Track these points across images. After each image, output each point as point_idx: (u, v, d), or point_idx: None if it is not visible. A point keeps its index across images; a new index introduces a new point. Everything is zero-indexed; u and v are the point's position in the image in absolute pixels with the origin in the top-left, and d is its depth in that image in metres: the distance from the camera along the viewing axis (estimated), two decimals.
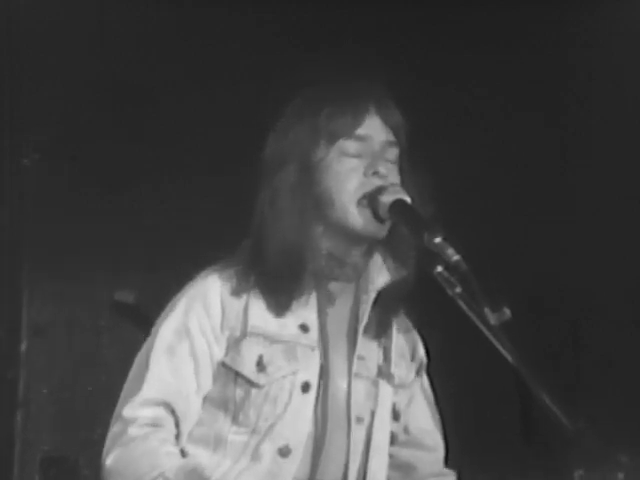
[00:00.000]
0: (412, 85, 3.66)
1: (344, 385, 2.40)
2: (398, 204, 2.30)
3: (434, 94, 3.86)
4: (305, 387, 2.36)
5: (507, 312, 2.13)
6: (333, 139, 2.37)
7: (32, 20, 3.76)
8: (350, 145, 2.37)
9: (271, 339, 2.38)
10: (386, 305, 2.45)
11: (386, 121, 2.40)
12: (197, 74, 3.86)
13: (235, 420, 2.35)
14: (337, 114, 2.37)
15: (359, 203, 2.34)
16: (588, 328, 4.02)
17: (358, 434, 2.40)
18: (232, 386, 2.37)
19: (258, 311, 2.39)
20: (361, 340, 2.42)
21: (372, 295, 2.41)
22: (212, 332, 2.38)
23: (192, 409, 2.37)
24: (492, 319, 2.13)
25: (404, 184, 2.36)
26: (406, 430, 2.53)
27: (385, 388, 2.46)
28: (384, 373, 2.46)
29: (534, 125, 4.04)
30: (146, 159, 3.81)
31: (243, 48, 3.86)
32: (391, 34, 3.94)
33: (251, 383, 2.35)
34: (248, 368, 2.36)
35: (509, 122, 4.03)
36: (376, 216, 2.33)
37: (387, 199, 2.30)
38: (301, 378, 2.36)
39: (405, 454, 2.54)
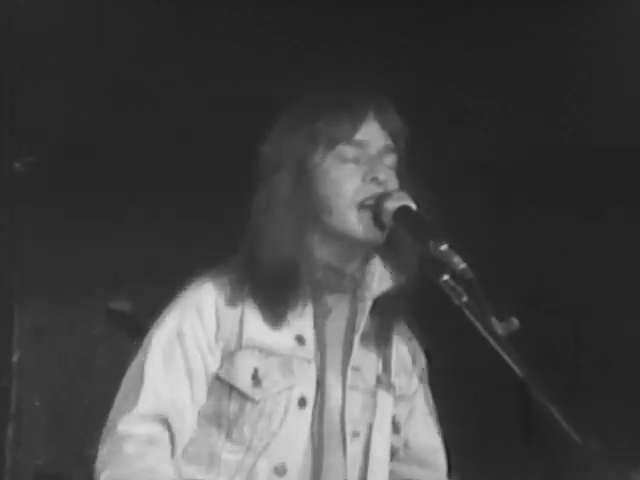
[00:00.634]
0: (412, 85, 3.67)
1: (338, 399, 2.33)
2: (403, 211, 2.24)
3: (434, 94, 3.86)
4: (302, 402, 2.30)
5: (515, 322, 2.09)
6: (331, 145, 2.31)
7: (32, 20, 3.76)
8: (348, 150, 2.31)
9: (266, 351, 2.31)
10: (384, 313, 2.39)
11: (385, 126, 2.35)
12: (197, 74, 3.85)
13: (229, 437, 2.29)
14: (335, 120, 2.32)
15: (358, 209, 2.28)
16: (588, 328, 4.02)
17: (355, 449, 2.33)
18: (226, 400, 2.31)
19: (253, 322, 2.33)
20: (357, 350, 2.35)
21: (369, 304, 2.36)
22: (206, 343, 2.32)
23: (187, 424, 2.31)
24: (499, 329, 2.08)
25: (402, 190, 2.31)
26: (406, 445, 2.47)
27: (384, 399, 2.39)
28: (383, 383, 2.39)
29: (534, 125, 4.04)
30: (146, 159, 3.81)
31: (243, 48, 3.85)
32: (391, 34, 3.93)
33: (246, 397, 2.29)
34: (243, 381, 2.29)
35: (509, 122, 4.03)
36: (376, 222, 2.28)
37: (392, 205, 2.24)
38: (297, 393, 2.30)
39: (405, 471, 2.48)
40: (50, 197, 3.78)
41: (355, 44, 3.84)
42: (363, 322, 2.36)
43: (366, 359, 2.39)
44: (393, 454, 2.43)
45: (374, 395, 2.37)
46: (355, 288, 2.37)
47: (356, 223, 2.29)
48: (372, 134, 2.34)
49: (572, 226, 3.99)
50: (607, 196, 4.00)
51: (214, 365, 2.31)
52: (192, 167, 3.81)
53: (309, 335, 2.34)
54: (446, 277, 2.14)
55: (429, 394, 2.52)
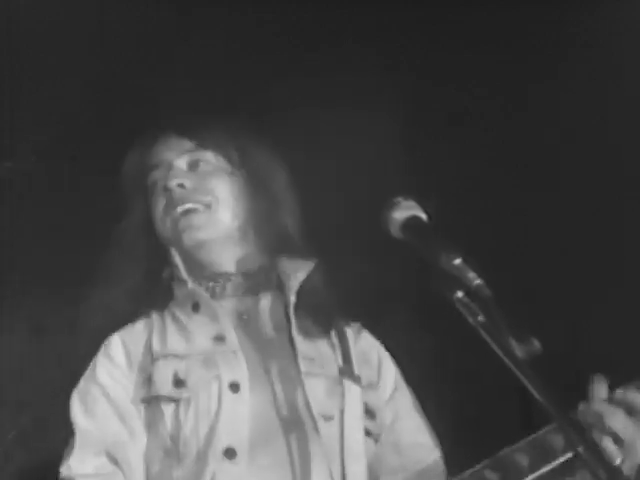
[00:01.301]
0: (412, 85, 3.67)
1: (294, 385, 2.39)
2: (412, 221, 2.11)
3: (434, 94, 3.86)
4: (234, 387, 2.33)
5: (536, 343, 1.96)
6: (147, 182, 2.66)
7: (32, 20, 3.76)
8: (151, 176, 2.65)
9: (182, 356, 2.38)
10: (311, 302, 2.49)
11: (182, 134, 2.63)
12: (197, 74, 3.85)
13: (181, 460, 2.30)
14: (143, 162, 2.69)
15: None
16: (588, 328, 4.02)
17: (330, 430, 2.37)
18: (162, 420, 2.34)
19: (163, 338, 2.42)
20: (302, 342, 2.44)
21: (292, 299, 2.46)
22: (122, 375, 2.41)
23: (133, 457, 2.34)
24: (520, 352, 1.94)
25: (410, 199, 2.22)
26: (397, 451, 2.50)
27: (351, 387, 2.44)
28: (347, 373, 2.45)
29: (534, 125, 4.04)
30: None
31: (243, 48, 3.85)
32: (391, 34, 3.93)
33: (174, 400, 2.32)
34: (165, 387, 2.35)
35: (509, 122, 4.03)
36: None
37: (400, 215, 2.12)
38: (226, 379, 2.34)
39: (399, 474, 2.49)
40: (50, 197, 3.78)
41: (355, 44, 3.84)
42: (292, 315, 2.46)
43: (317, 350, 2.47)
44: (375, 440, 2.48)
45: (340, 383, 2.43)
46: (274, 287, 2.52)
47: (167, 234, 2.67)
48: (164, 150, 2.68)
49: (572, 226, 3.99)
50: (607, 196, 4.00)
51: (138, 391, 2.39)
52: None
53: (229, 332, 2.43)
54: (460, 294, 2.00)
55: (409, 394, 2.60)
